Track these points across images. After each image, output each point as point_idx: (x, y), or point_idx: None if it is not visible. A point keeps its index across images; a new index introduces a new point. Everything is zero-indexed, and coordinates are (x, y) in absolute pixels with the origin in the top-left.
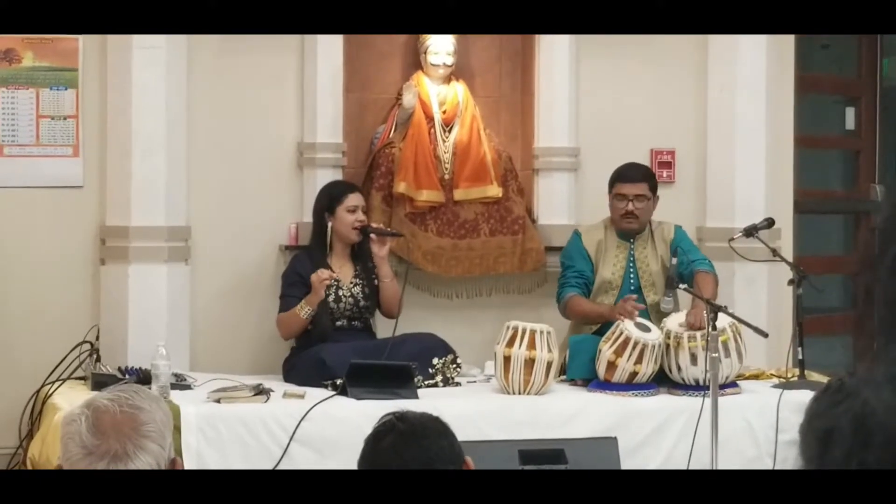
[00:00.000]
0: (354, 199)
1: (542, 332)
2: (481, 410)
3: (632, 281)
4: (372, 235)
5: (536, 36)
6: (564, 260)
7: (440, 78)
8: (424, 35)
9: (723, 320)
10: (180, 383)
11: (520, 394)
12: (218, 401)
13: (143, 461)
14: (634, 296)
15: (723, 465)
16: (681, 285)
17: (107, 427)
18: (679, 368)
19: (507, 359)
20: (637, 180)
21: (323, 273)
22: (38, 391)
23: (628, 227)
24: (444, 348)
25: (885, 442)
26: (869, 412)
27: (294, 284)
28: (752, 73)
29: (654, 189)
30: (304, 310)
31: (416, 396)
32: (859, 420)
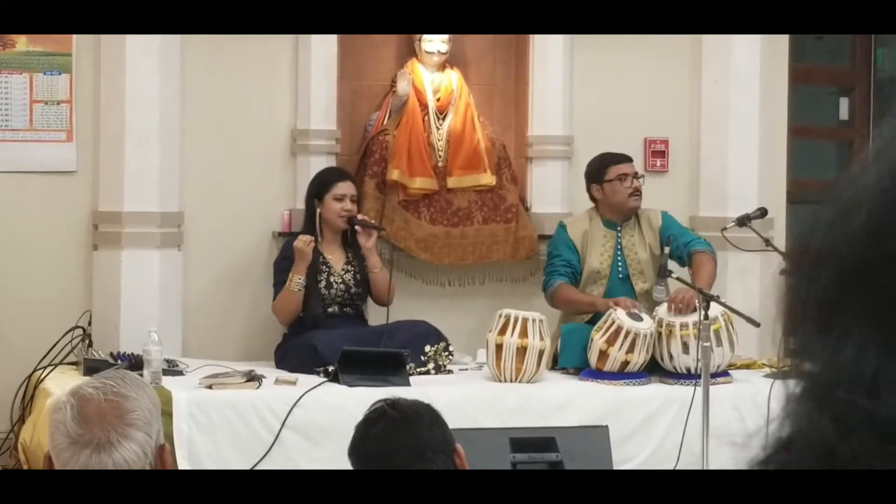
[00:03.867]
0: (343, 188)
1: (534, 321)
2: (473, 398)
3: (620, 269)
4: (357, 227)
5: None
6: (551, 250)
7: (434, 65)
8: None
9: (715, 309)
10: (172, 369)
11: (511, 382)
12: (209, 387)
13: (128, 449)
14: (635, 302)
15: (713, 454)
16: (673, 274)
17: (91, 416)
18: (671, 357)
19: (498, 347)
20: (629, 160)
21: (305, 238)
22: (29, 376)
23: (636, 206)
24: (436, 336)
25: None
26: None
27: (286, 271)
28: (746, 63)
29: None
30: (294, 281)
31: (407, 384)
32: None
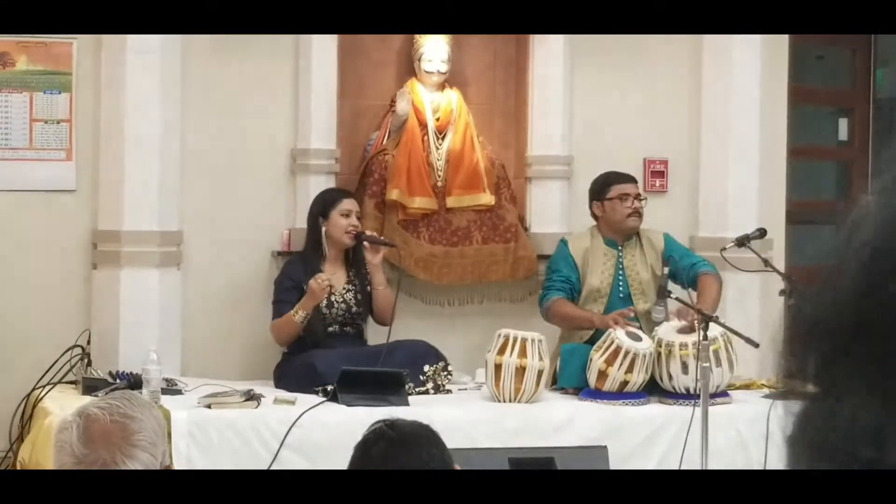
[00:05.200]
0: (349, 204)
1: (533, 341)
2: (472, 418)
3: (620, 289)
4: (365, 243)
5: (530, 44)
6: (550, 266)
7: (434, 85)
8: (419, 42)
9: (714, 330)
10: (171, 388)
11: (510, 402)
12: (208, 406)
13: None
14: (631, 313)
15: None
16: (672, 295)
17: (96, 436)
18: (670, 377)
19: (497, 367)
20: (633, 181)
21: (322, 280)
22: (28, 395)
23: (634, 226)
24: (435, 355)
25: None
26: None
27: (287, 290)
28: (746, 84)
29: None
30: (298, 314)
31: (406, 403)
32: None
